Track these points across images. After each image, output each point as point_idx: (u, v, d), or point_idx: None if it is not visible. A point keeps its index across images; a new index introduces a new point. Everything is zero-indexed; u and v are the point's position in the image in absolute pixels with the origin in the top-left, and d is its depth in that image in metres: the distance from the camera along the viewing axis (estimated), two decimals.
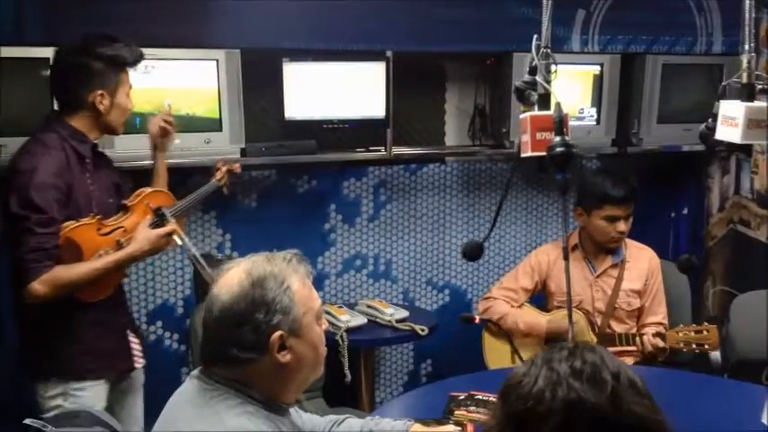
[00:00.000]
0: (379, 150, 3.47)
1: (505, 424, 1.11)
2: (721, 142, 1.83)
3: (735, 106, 1.77)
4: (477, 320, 2.70)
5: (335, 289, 3.66)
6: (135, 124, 2.81)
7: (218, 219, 3.41)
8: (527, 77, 1.73)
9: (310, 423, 1.80)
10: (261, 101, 3.32)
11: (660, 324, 3.01)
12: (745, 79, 1.78)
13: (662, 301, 3.12)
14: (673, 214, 4.13)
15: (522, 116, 1.73)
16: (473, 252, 2.16)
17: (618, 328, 3.05)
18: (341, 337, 3.04)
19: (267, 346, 1.43)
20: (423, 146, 3.68)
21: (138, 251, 2.30)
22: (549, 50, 1.70)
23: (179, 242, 2.39)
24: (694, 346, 2.79)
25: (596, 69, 3.57)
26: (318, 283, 1.46)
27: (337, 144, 3.51)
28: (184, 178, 2.99)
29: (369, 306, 3.31)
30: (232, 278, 1.46)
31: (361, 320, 3.20)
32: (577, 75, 3.57)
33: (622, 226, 3.01)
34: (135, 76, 2.48)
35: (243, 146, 3.13)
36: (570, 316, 1.83)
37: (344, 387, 3.11)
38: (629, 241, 3.14)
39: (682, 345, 2.81)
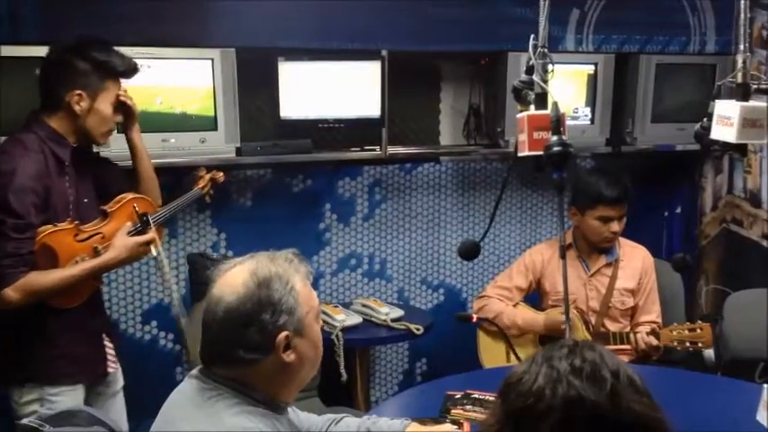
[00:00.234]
0: (375, 150, 3.47)
1: (505, 422, 1.11)
2: (716, 142, 1.84)
3: (730, 106, 1.78)
4: (474, 319, 2.70)
5: (330, 288, 3.66)
6: None
7: (213, 218, 3.40)
8: (524, 77, 1.74)
9: (307, 422, 1.81)
10: (256, 100, 3.32)
11: (654, 323, 3.02)
12: (740, 79, 1.79)
13: (656, 299, 3.13)
14: (666, 213, 4.15)
15: (519, 116, 1.74)
16: (470, 251, 2.17)
17: (612, 326, 3.06)
18: (336, 336, 3.05)
19: (273, 346, 1.44)
20: (417, 145, 3.69)
21: (114, 259, 2.26)
22: (546, 50, 1.71)
23: (154, 253, 2.34)
24: (688, 344, 2.80)
25: (590, 69, 3.58)
26: (313, 282, 1.47)
27: (332, 143, 3.52)
28: (179, 177, 2.97)
29: (364, 305, 3.31)
30: (235, 278, 1.45)
31: (357, 320, 3.20)
32: (572, 74, 3.59)
33: (615, 226, 3.03)
34: None
35: (238, 145, 3.12)
36: (567, 313, 1.84)
37: (340, 386, 3.11)
38: (622, 240, 3.16)
39: (675, 343, 2.82)
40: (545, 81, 1.71)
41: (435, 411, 2.19)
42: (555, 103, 1.69)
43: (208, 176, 2.79)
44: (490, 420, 1.15)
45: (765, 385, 2.13)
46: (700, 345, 2.79)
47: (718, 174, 3.96)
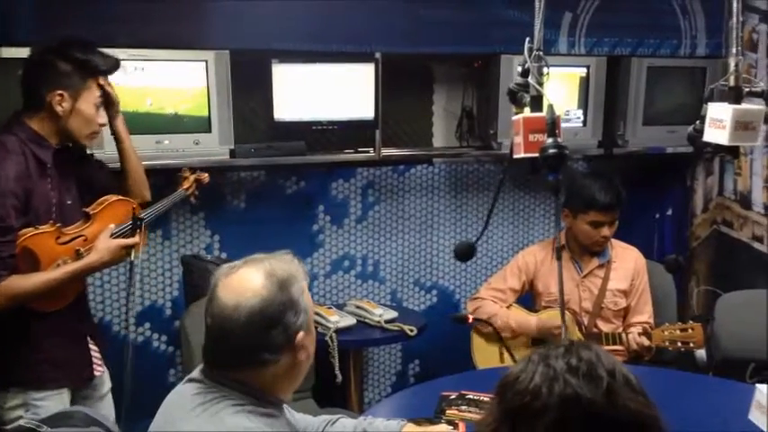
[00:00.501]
0: (368, 152, 3.48)
1: (502, 421, 1.12)
2: (709, 144, 1.85)
3: (723, 109, 1.79)
4: (470, 320, 2.71)
5: (324, 290, 3.67)
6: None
7: (207, 220, 3.40)
8: (519, 79, 1.74)
9: (303, 422, 1.81)
10: (250, 102, 3.32)
11: (646, 323, 3.03)
12: (732, 82, 1.81)
13: (648, 300, 3.15)
14: (657, 215, 4.17)
15: (514, 118, 1.75)
16: (465, 252, 2.17)
17: (604, 327, 3.08)
18: (330, 337, 3.05)
19: (293, 346, 1.47)
20: (411, 147, 3.70)
21: (97, 262, 2.21)
22: (541, 53, 1.72)
23: (132, 257, 2.28)
24: (680, 344, 2.82)
25: (583, 71, 3.60)
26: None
27: (326, 145, 3.52)
28: (174, 179, 2.97)
29: (357, 307, 3.31)
30: (251, 282, 1.45)
31: (351, 321, 3.20)
32: (564, 77, 3.60)
33: (606, 231, 3.04)
34: (124, 76, 2.42)
35: (232, 147, 3.12)
36: (563, 314, 1.85)
37: (334, 388, 3.11)
38: (614, 241, 3.17)
39: (667, 343, 2.84)
40: (540, 84, 1.72)
41: (429, 412, 2.19)
42: (551, 106, 1.70)
43: (192, 177, 2.75)
44: (487, 419, 1.16)
45: (757, 385, 2.14)
46: (691, 345, 2.81)
47: (709, 176, 3.99)
